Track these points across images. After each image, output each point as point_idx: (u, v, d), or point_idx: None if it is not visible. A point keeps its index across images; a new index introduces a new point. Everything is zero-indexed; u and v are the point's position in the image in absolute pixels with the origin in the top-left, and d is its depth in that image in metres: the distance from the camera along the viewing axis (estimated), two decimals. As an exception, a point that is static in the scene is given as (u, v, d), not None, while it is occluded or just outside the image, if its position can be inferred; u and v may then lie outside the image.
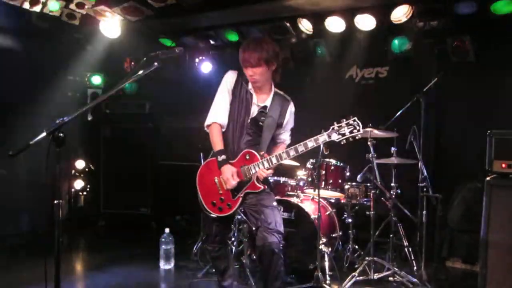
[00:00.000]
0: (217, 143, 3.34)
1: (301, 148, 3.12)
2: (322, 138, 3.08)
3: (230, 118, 3.40)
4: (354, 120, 3.04)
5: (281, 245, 3.25)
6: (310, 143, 3.10)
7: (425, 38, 5.53)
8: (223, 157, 3.29)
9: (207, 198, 3.39)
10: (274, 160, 3.19)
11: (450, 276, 4.72)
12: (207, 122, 3.41)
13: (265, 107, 3.36)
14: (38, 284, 4.24)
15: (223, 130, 3.41)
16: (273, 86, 3.43)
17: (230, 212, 3.33)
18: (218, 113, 3.38)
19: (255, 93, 3.37)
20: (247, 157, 3.28)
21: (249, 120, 3.35)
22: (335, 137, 3.05)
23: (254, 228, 3.35)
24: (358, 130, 3.02)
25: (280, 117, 3.40)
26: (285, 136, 3.54)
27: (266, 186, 3.32)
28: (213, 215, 3.37)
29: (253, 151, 3.28)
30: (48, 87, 6.53)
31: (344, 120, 3.05)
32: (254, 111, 3.37)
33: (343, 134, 3.03)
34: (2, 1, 5.15)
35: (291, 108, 3.47)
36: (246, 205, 3.37)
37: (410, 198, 4.81)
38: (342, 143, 3.06)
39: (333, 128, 3.05)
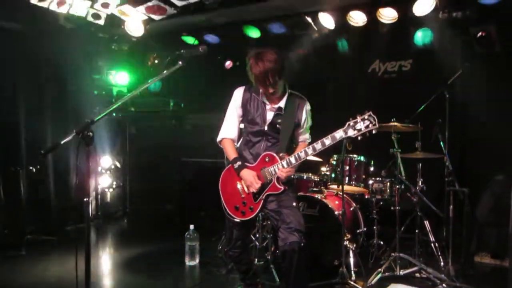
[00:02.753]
0: (231, 153, 3.45)
1: (318, 146, 3.15)
2: (339, 135, 3.10)
3: (248, 130, 3.48)
4: (370, 115, 3.04)
5: (302, 244, 3.25)
6: (327, 141, 3.12)
7: (448, 30, 5.43)
8: (239, 163, 3.38)
9: (230, 203, 3.45)
10: (293, 160, 3.23)
11: (479, 272, 4.64)
12: (218, 138, 3.55)
13: (280, 108, 3.40)
14: (69, 278, 4.41)
15: (236, 142, 3.53)
16: (287, 87, 3.46)
17: (252, 215, 3.37)
18: (227, 129, 3.52)
19: (268, 99, 3.42)
20: (267, 160, 3.34)
21: (266, 127, 3.41)
22: (351, 133, 3.07)
23: (275, 229, 3.41)
24: (374, 125, 3.02)
25: (296, 116, 3.42)
26: (305, 136, 3.55)
27: (286, 187, 3.34)
28: (237, 219, 3.42)
29: (272, 153, 3.33)
30: (74, 86, 6.68)
31: (360, 115, 3.06)
32: (270, 116, 3.42)
33: (359, 130, 3.05)
34: (30, 3, 5.28)
35: (306, 107, 3.48)
36: (266, 209, 3.41)
37: (436, 193, 4.74)
38: (359, 138, 3.07)
39: (349, 124, 3.08)
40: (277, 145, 3.40)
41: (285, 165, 3.24)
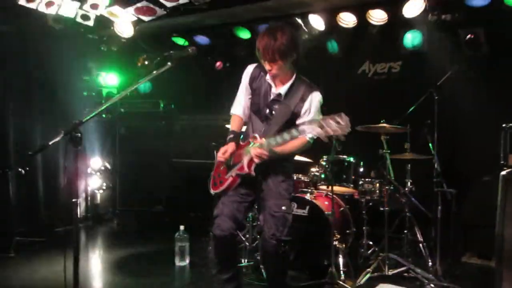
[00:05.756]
0: (231, 127, 3.40)
1: (286, 137, 2.95)
2: (296, 132, 2.91)
3: (253, 111, 3.35)
4: (341, 117, 2.67)
5: (281, 251, 3.14)
6: (296, 133, 2.93)
7: (437, 32, 5.49)
8: (230, 136, 3.32)
9: (212, 175, 3.40)
10: (264, 144, 3.03)
11: (466, 272, 4.67)
12: (230, 112, 3.49)
13: (279, 94, 3.20)
14: (57, 280, 4.38)
15: (246, 119, 3.42)
16: (295, 73, 3.23)
17: (218, 189, 3.25)
18: (235, 105, 3.45)
19: (274, 82, 3.23)
20: (250, 140, 3.20)
21: (267, 110, 3.26)
22: (317, 132, 2.74)
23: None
24: (342, 129, 2.65)
25: (297, 105, 3.15)
26: (306, 128, 3.00)
27: (253, 173, 3.11)
28: (211, 191, 3.35)
29: (257, 136, 3.15)
30: (64, 88, 6.64)
31: (332, 116, 2.71)
32: (271, 99, 3.26)
33: (325, 130, 2.69)
34: (18, 4, 5.24)
35: (312, 97, 3.14)
36: (258, 200, 3.33)
37: (424, 194, 4.78)
38: (325, 141, 2.79)
39: (319, 122, 2.75)
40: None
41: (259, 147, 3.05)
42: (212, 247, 3.25)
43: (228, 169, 3.27)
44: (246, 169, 3.12)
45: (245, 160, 3.13)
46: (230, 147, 3.26)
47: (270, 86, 3.25)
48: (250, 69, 3.39)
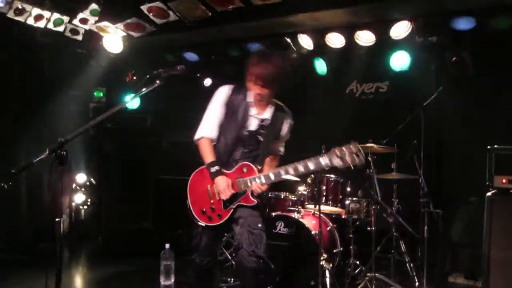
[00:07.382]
0: (208, 156, 3.26)
1: (301, 168, 3.03)
2: (324, 162, 2.96)
3: (225, 130, 3.31)
4: (356, 147, 2.87)
5: (259, 269, 3.13)
6: (312, 166, 2.99)
7: (424, 53, 5.58)
8: (216, 168, 3.20)
9: (196, 206, 3.30)
10: (272, 177, 3.10)
11: (452, 292, 4.70)
12: (196, 136, 3.35)
13: (265, 119, 3.29)
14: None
15: (215, 142, 3.34)
16: (273, 98, 3.34)
17: (219, 222, 3.23)
18: (208, 127, 3.33)
19: (255, 105, 3.28)
20: (245, 170, 3.19)
21: (246, 132, 3.26)
22: (336, 163, 2.91)
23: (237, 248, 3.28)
24: (360, 159, 2.87)
25: (280, 129, 3.36)
26: (281, 148, 3.48)
27: (259, 200, 3.23)
28: (201, 223, 3.27)
29: (251, 165, 3.19)
30: (51, 102, 6.58)
31: (347, 147, 2.89)
32: (252, 123, 3.28)
33: (345, 162, 2.89)
34: (6, 16, 5.21)
35: (288, 120, 3.39)
36: (233, 223, 3.27)
37: (411, 214, 4.79)
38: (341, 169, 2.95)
39: (335, 153, 2.91)
40: (254, 153, 3.28)
41: (264, 181, 3.12)
42: (192, 270, 3.54)
43: (225, 201, 3.20)
44: (254, 200, 3.20)
45: (249, 192, 3.19)
46: (229, 182, 3.18)
47: (250, 109, 3.27)
48: (226, 89, 3.36)
